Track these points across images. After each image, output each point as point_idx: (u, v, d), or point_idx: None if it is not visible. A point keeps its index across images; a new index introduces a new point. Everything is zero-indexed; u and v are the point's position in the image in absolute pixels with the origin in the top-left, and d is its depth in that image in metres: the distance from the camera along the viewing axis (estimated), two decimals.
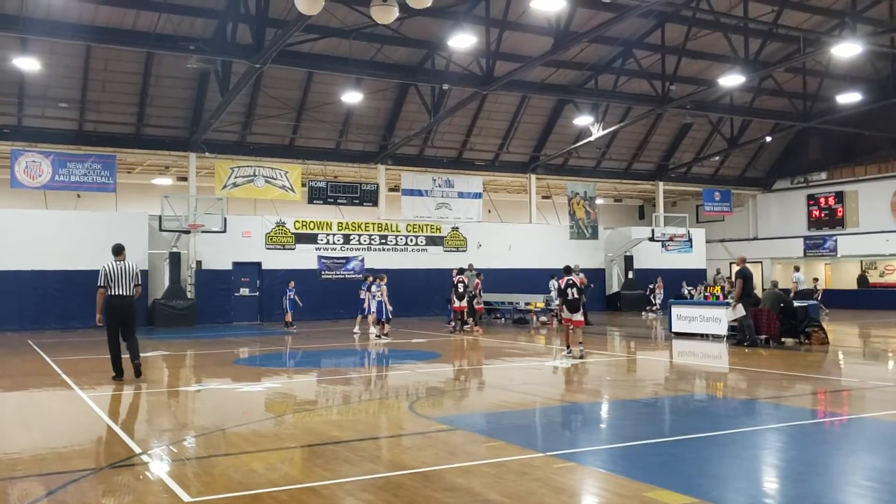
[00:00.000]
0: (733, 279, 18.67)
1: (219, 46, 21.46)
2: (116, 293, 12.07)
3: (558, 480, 6.16)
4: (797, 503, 5.58)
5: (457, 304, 21.67)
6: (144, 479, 6.40)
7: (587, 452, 7.32)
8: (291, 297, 23.70)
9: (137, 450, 7.39)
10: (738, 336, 17.08)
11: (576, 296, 15.04)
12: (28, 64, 21.90)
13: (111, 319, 12.13)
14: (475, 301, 22.69)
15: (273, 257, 27.91)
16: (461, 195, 31.58)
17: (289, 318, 23.78)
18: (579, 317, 15.24)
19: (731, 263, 33.56)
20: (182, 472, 6.65)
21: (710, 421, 9.17)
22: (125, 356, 12.19)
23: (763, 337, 16.81)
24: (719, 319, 18.06)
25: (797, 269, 27.01)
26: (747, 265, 17.76)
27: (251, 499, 5.69)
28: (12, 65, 22.21)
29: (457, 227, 31.43)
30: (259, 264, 27.69)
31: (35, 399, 11.51)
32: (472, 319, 22.23)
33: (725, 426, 8.68)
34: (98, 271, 12.27)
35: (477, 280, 23.10)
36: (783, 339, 16.80)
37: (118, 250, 12.51)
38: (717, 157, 36.60)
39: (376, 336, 20.03)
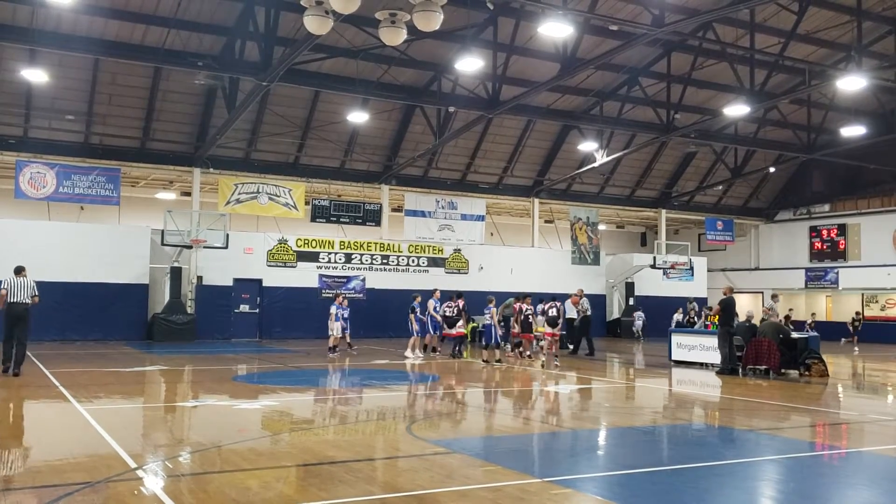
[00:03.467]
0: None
1: (227, 63, 21.62)
2: (13, 301, 14.48)
3: None
4: None
5: (446, 330, 20.96)
6: (139, 494, 6.36)
7: (585, 479, 7.27)
8: (344, 315, 22.00)
9: (133, 464, 7.34)
10: (722, 364, 17.34)
11: (554, 314, 19.40)
12: (36, 75, 22.02)
13: (8, 321, 14.46)
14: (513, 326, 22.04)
15: (274, 275, 27.90)
16: (464, 217, 31.61)
17: (346, 336, 22.13)
18: (557, 331, 19.58)
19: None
20: (177, 488, 6.61)
21: (709, 451, 9.12)
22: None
23: (763, 367, 16.79)
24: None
25: (774, 297, 25.59)
26: (733, 295, 18.16)
27: None
28: (20, 76, 22.37)
29: (459, 249, 31.45)
30: (260, 281, 27.68)
31: (31, 411, 11.48)
32: (509, 346, 21.84)
33: (724, 457, 8.62)
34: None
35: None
36: (783, 371, 16.74)
37: (18, 270, 14.97)
38: (721, 187, 36.66)
39: (496, 361, 19.02)
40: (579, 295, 22.84)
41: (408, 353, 20.30)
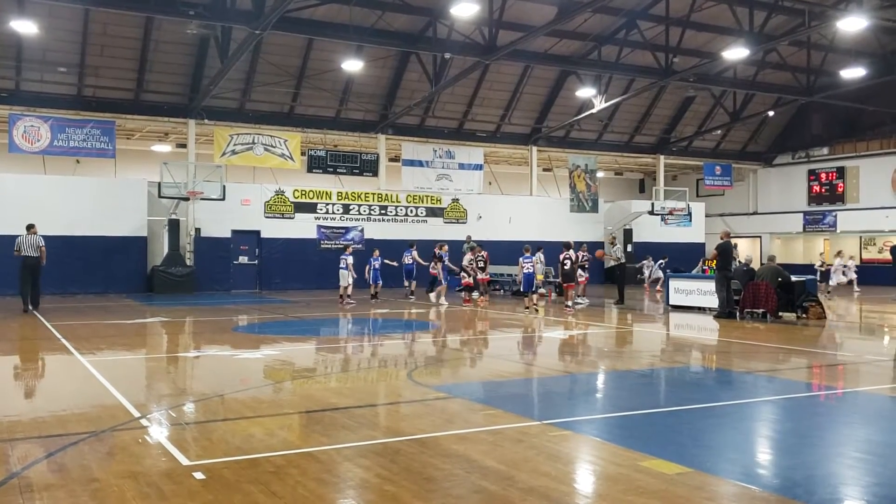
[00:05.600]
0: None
1: (219, 12, 21.24)
2: (26, 255, 17.74)
3: (554, 448, 6.21)
4: (790, 474, 5.62)
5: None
6: (143, 443, 6.44)
7: (583, 421, 7.37)
8: (377, 266, 22.47)
9: (136, 414, 7.43)
10: (720, 308, 17.45)
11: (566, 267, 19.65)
12: (26, 27, 21.65)
13: (23, 271, 17.86)
14: (481, 272, 22.75)
15: (272, 226, 27.88)
16: (462, 166, 31.48)
17: (373, 289, 22.48)
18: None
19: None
20: (181, 437, 6.70)
21: (706, 393, 9.23)
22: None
23: (760, 311, 16.90)
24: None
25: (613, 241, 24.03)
26: (731, 239, 18.08)
27: (249, 463, 5.73)
28: (10, 27, 21.99)
29: (457, 199, 31.37)
30: (258, 233, 27.67)
31: (34, 363, 11.58)
32: (476, 291, 22.43)
33: (720, 398, 8.72)
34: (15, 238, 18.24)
35: (483, 252, 23.13)
36: (780, 314, 16.85)
37: (29, 227, 18.02)
38: (719, 131, 36.44)
39: (534, 307, 19.25)
40: (611, 241, 23.02)
41: (441, 300, 20.89)
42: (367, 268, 22.66)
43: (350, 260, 21.65)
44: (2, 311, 18.57)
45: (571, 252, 20.03)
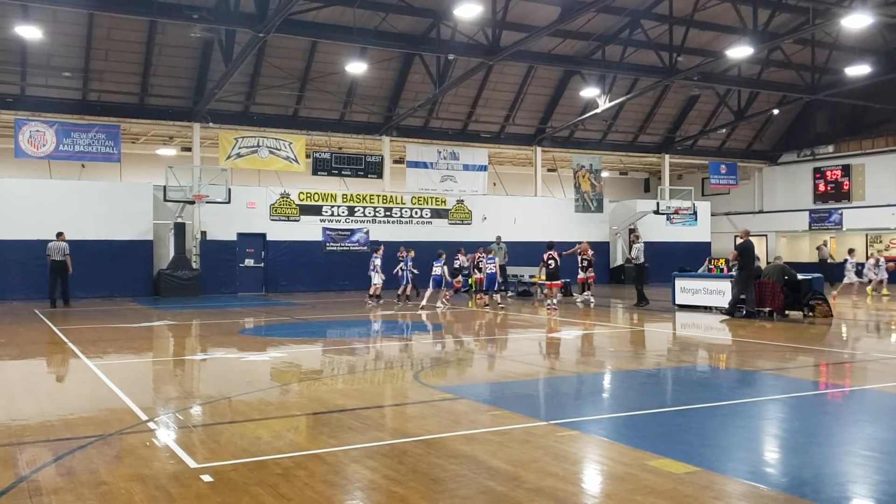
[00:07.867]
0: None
1: (222, 15, 21.28)
2: (54, 259, 20.81)
3: (561, 448, 6.21)
4: (798, 473, 5.61)
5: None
6: (151, 446, 6.45)
7: (590, 421, 7.36)
8: (404, 270, 21.87)
9: (144, 417, 7.44)
10: (731, 308, 17.21)
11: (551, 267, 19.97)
12: (30, 32, 21.74)
13: (52, 272, 20.86)
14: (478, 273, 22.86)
15: (278, 228, 27.90)
16: (466, 167, 31.48)
17: (406, 290, 21.90)
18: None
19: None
20: (188, 439, 6.71)
21: (713, 392, 9.21)
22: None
23: (767, 309, 16.85)
24: (723, 292, 18.14)
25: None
26: (751, 238, 17.88)
27: (257, 465, 5.74)
28: (14, 33, 22.08)
29: (462, 200, 31.36)
30: (264, 235, 27.69)
31: (42, 367, 11.61)
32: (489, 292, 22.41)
33: (728, 397, 8.70)
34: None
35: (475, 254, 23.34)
36: (787, 312, 16.80)
37: (58, 235, 21.15)
38: (724, 130, 36.36)
39: (486, 305, 20.70)
40: (632, 240, 23.13)
41: (438, 304, 20.69)
42: (399, 269, 22.14)
43: (377, 262, 22.03)
44: (10, 315, 18.63)
45: (555, 252, 20.42)
